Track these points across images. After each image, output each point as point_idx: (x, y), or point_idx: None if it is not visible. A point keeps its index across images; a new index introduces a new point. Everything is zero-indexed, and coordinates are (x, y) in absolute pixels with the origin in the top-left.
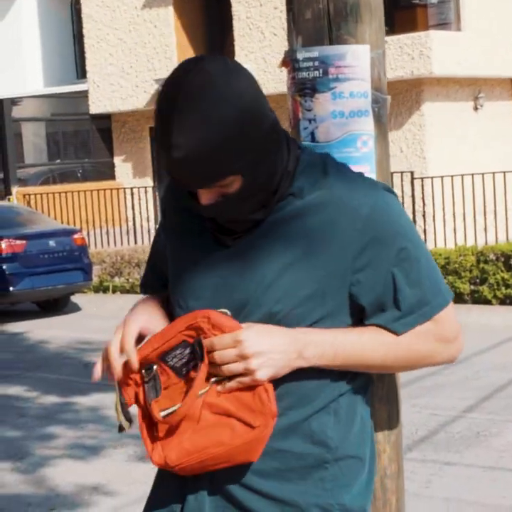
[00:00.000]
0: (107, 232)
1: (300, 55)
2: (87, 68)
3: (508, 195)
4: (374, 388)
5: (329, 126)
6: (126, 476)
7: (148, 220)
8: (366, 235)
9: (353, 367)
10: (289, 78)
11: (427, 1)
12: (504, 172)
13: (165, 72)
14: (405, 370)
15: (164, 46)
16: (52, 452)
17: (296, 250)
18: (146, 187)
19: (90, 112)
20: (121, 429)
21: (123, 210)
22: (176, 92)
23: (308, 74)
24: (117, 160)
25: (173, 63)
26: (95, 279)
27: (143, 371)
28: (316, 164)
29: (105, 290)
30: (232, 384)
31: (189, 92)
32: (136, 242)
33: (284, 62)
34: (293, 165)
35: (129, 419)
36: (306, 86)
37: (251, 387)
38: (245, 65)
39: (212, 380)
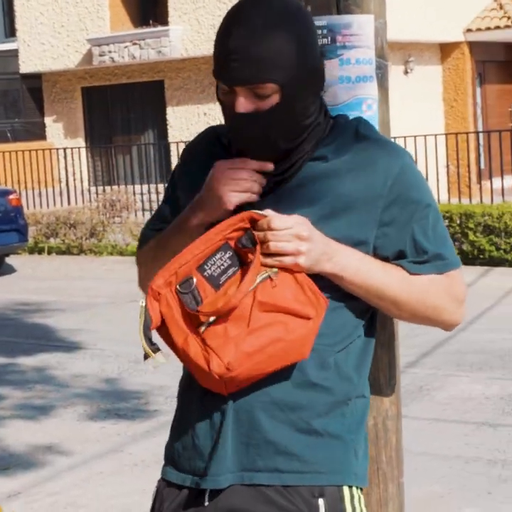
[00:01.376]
0: (40, 194)
1: None
2: (17, 27)
3: (439, 156)
4: (377, 335)
5: (336, 90)
6: (78, 434)
7: (81, 181)
8: (394, 192)
9: (370, 291)
10: None
11: None
12: (425, 135)
13: (97, 32)
14: (413, 316)
15: (96, 6)
16: (0, 413)
17: (324, 208)
18: (78, 147)
19: (20, 72)
20: (146, 357)
21: (55, 171)
22: (241, 3)
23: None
24: (48, 120)
25: (106, 23)
26: (30, 241)
27: (177, 286)
28: (349, 128)
29: (40, 251)
30: (274, 261)
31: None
32: (69, 203)
33: None
34: (325, 123)
35: (155, 346)
36: None
37: (295, 283)
38: (178, 26)
39: (261, 276)
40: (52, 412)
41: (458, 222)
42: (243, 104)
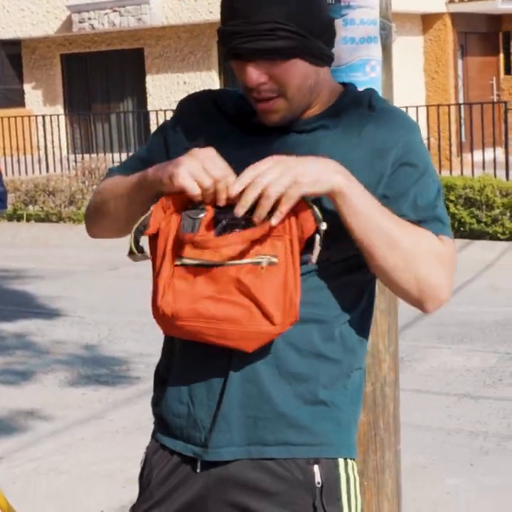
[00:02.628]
0: (19, 161)
1: None
2: None
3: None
4: (376, 301)
5: (340, 51)
6: (60, 400)
7: (60, 149)
8: (404, 157)
9: (369, 219)
10: None
11: None
12: (406, 107)
13: None
14: (403, 265)
15: None
16: None
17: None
18: (57, 115)
19: None
20: (130, 252)
21: (34, 138)
22: None
23: None
24: (27, 87)
25: None
26: (9, 208)
27: (190, 207)
28: (361, 100)
29: (19, 218)
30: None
31: None
32: (47, 171)
33: None
34: (337, 90)
35: (140, 248)
36: None
37: (281, 282)
38: None
39: (259, 257)
40: (32, 377)
41: None
42: (256, 75)
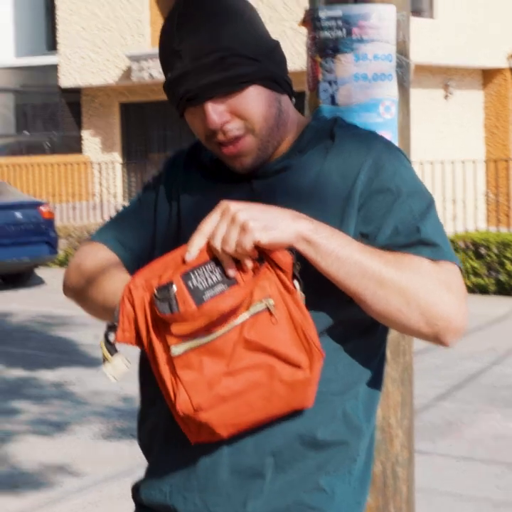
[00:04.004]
0: (74, 207)
1: (322, 14)
2: (59, 41)
3: (478, 183)
4: (387, 369)
5: (351, 89)
6: (91, 454)
7: (115, 196)
8: (372, 183)
9: (349, 262)
10: (309, 38)
11: None
12: (474, 160)
13: (137, 48)
14: (400, 302)
15: (137, 22)
16: (15, 428)
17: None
18: (113, 162)
19: (60, 85)
20: (104, 360)
21: (90, 184)
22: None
23: (331, 34)
24: (85, 134)
25: (146, 40)
26: (61, 253)
27: (155, 290)
28: (324, 131)
29: None
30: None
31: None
32: (102, 218)
33: (304, 22)
34: (302, 123)
35: (113, 346)
36: (327, 46)
37: (289, 322)
38: None
39: (254, 307)
40: (67, 429)
41: (495, 251)
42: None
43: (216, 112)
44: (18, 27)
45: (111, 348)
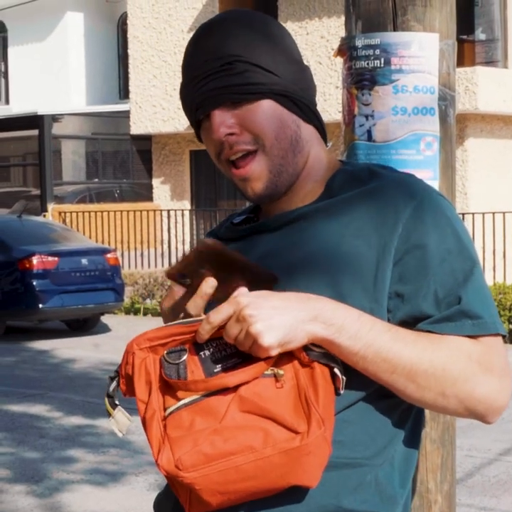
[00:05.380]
0: (142, 254)
1: (359, 42)
2: (130, 89)
3: None
4: (427, 428)
5: (389, 123)
6: (145, 506)
7: (183, 243)
8: (411, 236)
9: (377, 360)
10: (345, 68)
11: (475, 37)
12: None
13: None
14: (437, 395)
15: None
16: (70, 477)
17: (312, 270)
18: (182, 210)
19: (131, 133)
20: (109, 414)
21: (159, 232)
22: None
23: (368, 63)
24: (156, 182)
25: None
26: (127, 301)
27: (165, 353)
28: (357, 176)
29: (136, 312)
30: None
31: (225, 19)
32: (170, 265)
33: (340, 51)
34: (333, 167)
35: (114, 404)
36: (364, 77)
37: (296, 390)
38: None
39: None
40: (122, 479)
41: None
42: (221, 121)
43: (222, 121)
44: (91, 75)
45: (111, 401)
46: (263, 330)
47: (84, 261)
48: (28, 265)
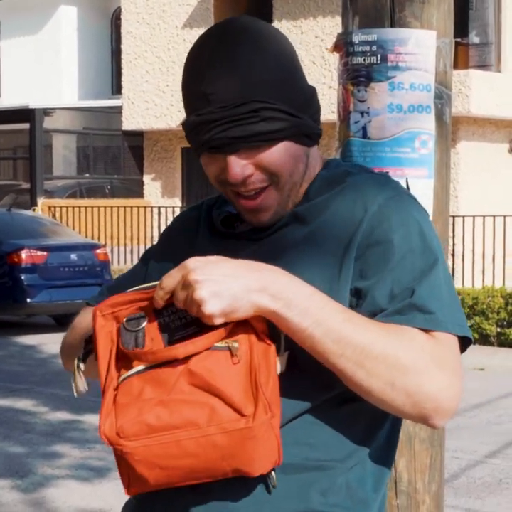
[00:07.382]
0: (132, 250)
1: (356, 38)
2: (123, 84)
3: None
4: (415, 429)
5: (384, 120)
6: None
7: None
8: (374, 232)
9: (327, 341)
10: (341, 64)
11: (469, 41)
12: None
13: None
14: (383, 382)
15: None
16: (55, 472)
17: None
18: (173, 207)
19: (123, 128)
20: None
21: (149, 228)
22: (212, 35)
23: (364, 60)
24: (147, 178)
25: None
26: None
27: (124, 320)
28: (334, 179)
29: None
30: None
31: (228, 32)
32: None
33: (336, 46)
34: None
35: (79, 367)
36: (360, 73)
37: (248, 369)
38: None
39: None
40: (107, 475)
41: None
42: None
43: (239, 165)
44: (83, 70)
45: (78, 364)
46: (206, 297)
47: (73, 256)
48: (16, 259)
